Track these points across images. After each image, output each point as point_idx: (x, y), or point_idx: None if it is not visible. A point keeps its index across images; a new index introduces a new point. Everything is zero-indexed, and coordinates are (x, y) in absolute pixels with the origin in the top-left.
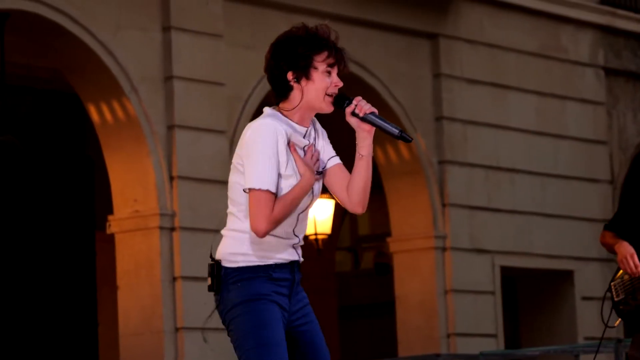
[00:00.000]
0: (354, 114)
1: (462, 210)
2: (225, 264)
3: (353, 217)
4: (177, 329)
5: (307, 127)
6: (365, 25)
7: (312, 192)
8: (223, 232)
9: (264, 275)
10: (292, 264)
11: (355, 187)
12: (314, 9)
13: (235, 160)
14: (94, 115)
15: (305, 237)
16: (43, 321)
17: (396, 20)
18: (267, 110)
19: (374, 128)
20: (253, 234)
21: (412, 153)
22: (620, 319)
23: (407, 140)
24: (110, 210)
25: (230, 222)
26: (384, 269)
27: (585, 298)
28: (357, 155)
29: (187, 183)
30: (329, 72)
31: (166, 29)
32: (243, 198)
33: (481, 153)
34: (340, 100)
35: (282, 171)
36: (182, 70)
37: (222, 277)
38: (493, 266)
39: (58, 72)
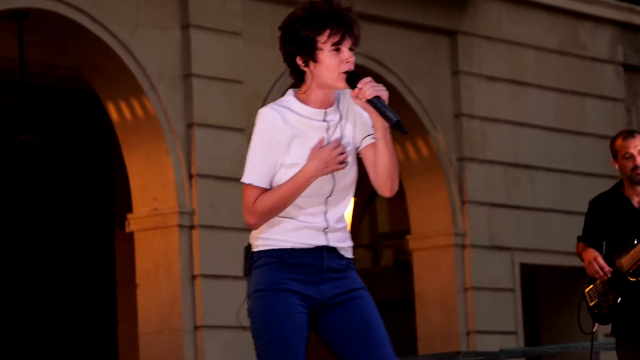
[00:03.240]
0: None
1: (481, 207)
2: (252, 248)
3: (372, 214)
4: (196, 327)
5: (326, 109)
6: (383, 22)
7: (333, 176)
8: None
9: (278, 260)
10: (319, 249)
11: (379, 170)
12: None
13: None
14: (113, 114)
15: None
16: (63, 319)
17: (415, 17)
18: (289, 92)
19: None
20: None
21: (432, 150)
22: (597, 324)
23: (402, 131)
24: (129, 209)
25: None
26: (404, 266)
27: None
28: (373, 138)
29: (206, 181)
30: (338, 49)
31: (185, 26)
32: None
33: (500, 150)
34: (352, 78)
35: (284, 160)
36: (200, 68)
37: (249, 261)
38: (512, 263)
39: (77, 71)
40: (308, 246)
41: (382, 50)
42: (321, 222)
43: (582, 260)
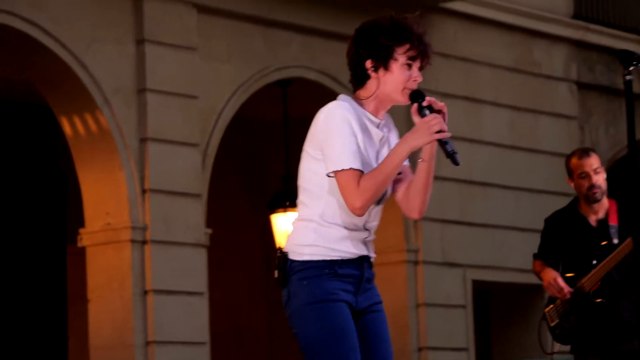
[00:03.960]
0: (429, 108)
1: (434, 223)
2: (291, 256)
3: None
4: (147, 343)
5: (381, 120)
6: (338, 38)
7: (391, 185)
8: (293, 222)
9: (330, 271)
10: (361, 259)
11: (414, 192)
12: (289, 22)
13: (306, 146)
14: (67, 128)
15: (278, 249)
16: (14, 333)
17: None
18: (341, 96)
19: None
20: (319, 222)
21: None
22: (559, 344)
23: (455, 162)
24: (82, 224)
25: (299, 210)
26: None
27: None
28: (419, 159)
29: (159, 196)
30: (410, 65)
31: (140, 41)
32: (313, 185)
33: (454, 167)
34: (417, 95)
35: None
36: (155, 83)
37: (287, 270)
38: (465, 280)
39: (31, 85)
40: (353, 256)
41: (337, 66)
42: (363, 232)
43: (541, 279)
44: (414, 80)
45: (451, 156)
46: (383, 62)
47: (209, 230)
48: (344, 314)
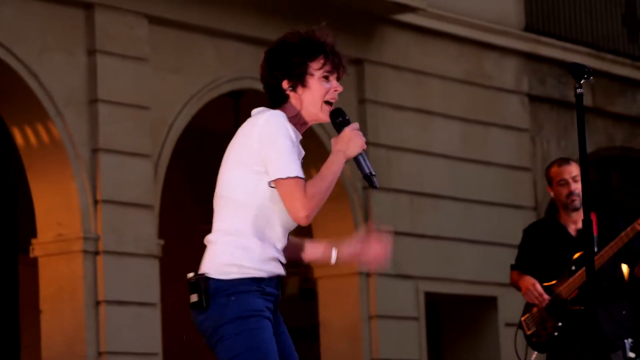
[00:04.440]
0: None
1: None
2: (215, 276)
3: None
4: (100, 354)
5: (300, 137)
6: None
7: None
8: (211, 238)
9: (258, 289)
10: (279, 278)
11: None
12: (240, 33)
13: (237, 154)
14: (18, 139)
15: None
16: None
17: None
18: (269, 110)
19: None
20: (249, 239)
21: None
22: (536, 352)
23: (372, 185)
24: (34, 234)
25: (221, 223)
26: (309, 294)
27: (508, 324)
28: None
29: (111, 207)
30: (327, 78)
31: (91, 51)
32: (242, 195)
33: (405, 178)
34: (337, 114)
35: None
36: (107, 94)
37: (210, 292)
38: (417, 292)
39: None
40: (275, 275)
41: None
42: (280, 252)
43: (518, 288)
44: (335, 91)
45: (369, 178)
46: (299, 80)
47: (161, 241)
48: (269, 331)
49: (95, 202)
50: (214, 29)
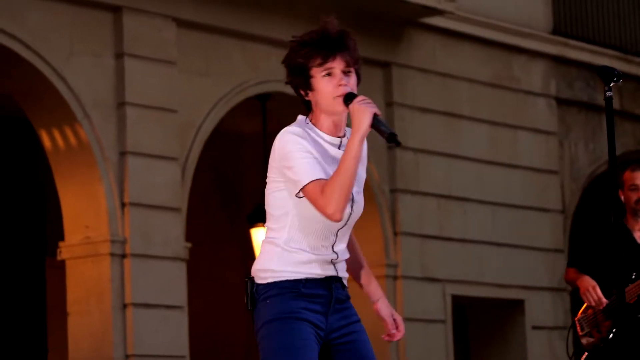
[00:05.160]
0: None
1: (413, 238)
2: (256, 280)
3: None
4: (127, 357)
5: (342, 137)
6: None
7: (353, 202)
8: (262, 243)
9: (293, 290)
10: (329, 279)
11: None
12: (268, 36)
13: (269, 172)
14: (46, 141)
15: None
16: None
17: None
18: (299, 117)
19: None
20: (284, 247)
21: (365, 181)
22: (586, 353)
23: (397, 143)
24: (61, 237)
25: (266, 234)
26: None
27: (535, 327)
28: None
29: (138, 210)
30: (330, 74)
31: (119, 55)
32: (276, 209)
33: (433, 182)
34: (347, 100)
35: None
36: (134, 97)
37: (254, 294)
38: (444, 295)
39: (10, 98)
40: (320, 276)
41: None
42: (331, 253)
43: (574, 286)
44: (340, 86)
45: (392, 138)
46: (305, 84)
47: (189, 244)
48: (303, 331)
49: (123, 204)
50: (242, 32)
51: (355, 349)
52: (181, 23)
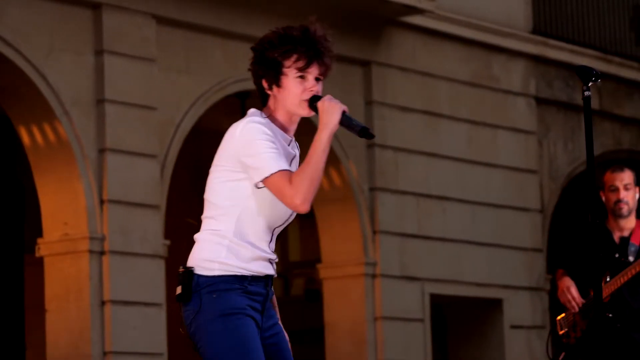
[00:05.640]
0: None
1: (392, 237)
2: (198, 271)
3: (284, 243)
4: (105, 354)
5: (291, 137)
6: None
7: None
8: (198, 236)
9: (240, 287)
10: (267, 278)
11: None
12: (248, 34)
13: (219, 160)
14: (25, 138)
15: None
16: None
17: None
18: (251, 110)
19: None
20: (232, 240)
21: (344, 180)
22: (564, 353)
23: (370, 135)
24: (39, 234)
25: (206, 224)
26: (315, 295)
27: (514, 327)
28: None
29: (117, 207)
30: (303, 77)
31: (99, 52)
32: (224, 200)
33: (412, 180)
34: (313, 102)
35: None
36: (114, 94)
37: (193, 286)
38: (423, 294)
39: None
40: (262, 274)
41: None
42: (268, 252)
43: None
44: (310, 91)
45: (364, 132)
46: (274, 80)
47: (167, 242)
48: (252, 329)
49: (102, 202)
50: (222, 30)
51: (280, 350)
52: (161, 20)
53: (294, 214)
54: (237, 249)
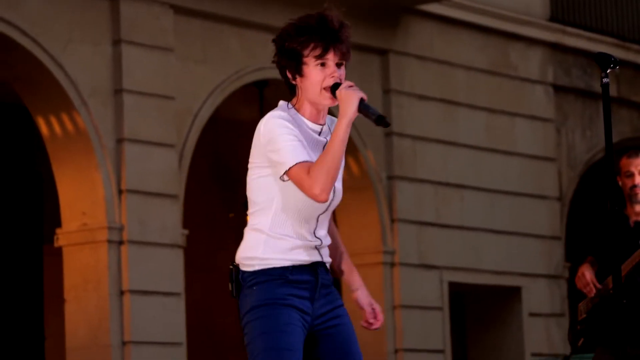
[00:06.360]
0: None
1: (410, 225)
2: (242, 267)
3: None
4: (124, 343)
5: (322, 125)
6: None
7: (334, 190)
8: (245, 231)
9: (280, 277)
10: (314, 265)
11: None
12: (265, 23)
13: (252, 157)
14: (43, 128)
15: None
16: None
17: None
18: (280, 103)
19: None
20: (269, 234)
21: (362, 168)
22: (582, 339)
23: (386, 124)
24: (58, 224)
25: (250, 221)
26: (334, 283)
27: (532, 314)
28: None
29: (135, 197)
30: (323, 64)
31: (116, 42)
32: (260, 195)
33: (430, 169)
34: (335, 87)
35: None
36: (132, 84)
37: (239, 282)
38: (441, 282)
39: (7, 85)
40: (306, 262)
41: None
42: (314, 239)
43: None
44: (331, 77)
45: (380, 120)
46: (296, 69)
47: (186, 231)
48: (288, 316)
49: (120, 191)
50: (239, 19)
51: (339, 333)
52: (178, 10)
53: (337, 198)
54: (274, 242)
